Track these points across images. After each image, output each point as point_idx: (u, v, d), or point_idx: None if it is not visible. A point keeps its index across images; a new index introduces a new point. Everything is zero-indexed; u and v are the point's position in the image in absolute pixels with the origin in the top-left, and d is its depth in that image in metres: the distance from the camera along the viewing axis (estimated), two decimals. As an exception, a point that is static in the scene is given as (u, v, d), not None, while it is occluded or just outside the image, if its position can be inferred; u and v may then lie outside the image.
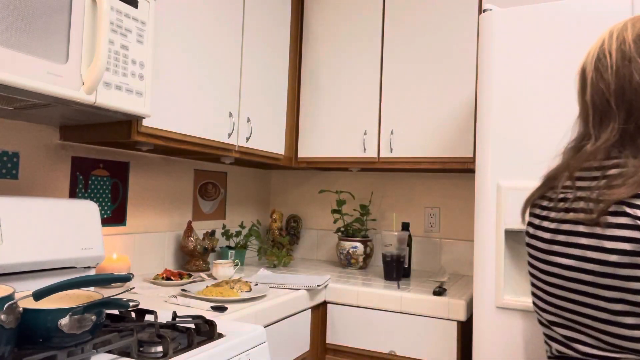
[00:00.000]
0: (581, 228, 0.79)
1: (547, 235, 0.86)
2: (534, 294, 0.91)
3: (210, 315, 1.34)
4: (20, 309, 0.86)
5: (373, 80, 2.23)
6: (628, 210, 0.73)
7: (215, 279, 1.86)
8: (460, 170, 2.21)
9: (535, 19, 1.49)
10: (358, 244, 2.32)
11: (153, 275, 1.93)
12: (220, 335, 1.13)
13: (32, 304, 0.98)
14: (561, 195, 0.85)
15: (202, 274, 1.88)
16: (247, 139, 1.99)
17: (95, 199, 1.75)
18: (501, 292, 1.46)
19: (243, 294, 1.56)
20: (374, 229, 2.54)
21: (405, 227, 2.18)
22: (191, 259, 2.06)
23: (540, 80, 1.47)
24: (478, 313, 1.50)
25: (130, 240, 1.90)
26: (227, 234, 2.32)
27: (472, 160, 2.01)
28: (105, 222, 1.79)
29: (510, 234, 1.50)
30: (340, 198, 2.63)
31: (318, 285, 1.80)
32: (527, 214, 0.95)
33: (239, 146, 1.95)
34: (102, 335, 1.01)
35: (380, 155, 2.20)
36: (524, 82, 1.49)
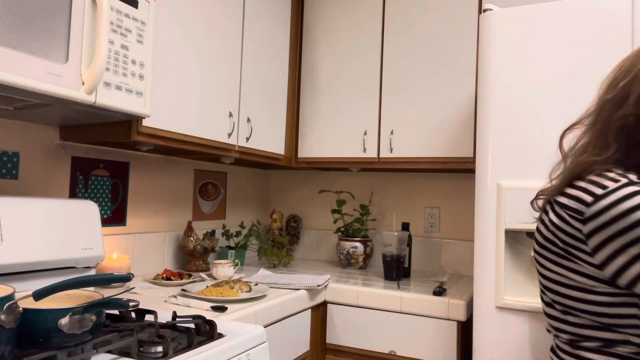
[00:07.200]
0: None
1: None
2: None
3: (210, 315, 1.34)
4: (20, 309, 0.86)
5: (373, 80, 2.23)
6: None
7: (215, 279, 1.86)
8: (460, 170, 2.21)
9: (535, 18, 1.49)
10: (358, 244, 2.32)
11: (153, 275, 1.93)
12: (220, 335, 1.13)
13: (32, 304, 0.98)
14: None
15: (202, 274, 1.88)
16: (247, 139, 1.99)
17: (95, 199, 1.75)
18: (501, 292, 1.46)
19: (243, 294, 1.56)
20: (374, 229, 2.54)
21: (405, 227, 2.18)
22: (191, 259, 2.06)
23: (541, 80, 1.47)
24: (478, 313, 1.50)
25: (130, 240, 1.90)
26: (227, 234, 2.32)
27: (472, 160, 2.01)
28: (105, 222, 1.79)
29: (510, 234, 1.49)
30: (340, 198, 2.63)
31: (318, 285, 1.80)
32: None
33: (239, 146, 1.95)
34: (102, 335, 1.00)
35: (380, 155, 2.20)
36: (524, 82, 1.49)
